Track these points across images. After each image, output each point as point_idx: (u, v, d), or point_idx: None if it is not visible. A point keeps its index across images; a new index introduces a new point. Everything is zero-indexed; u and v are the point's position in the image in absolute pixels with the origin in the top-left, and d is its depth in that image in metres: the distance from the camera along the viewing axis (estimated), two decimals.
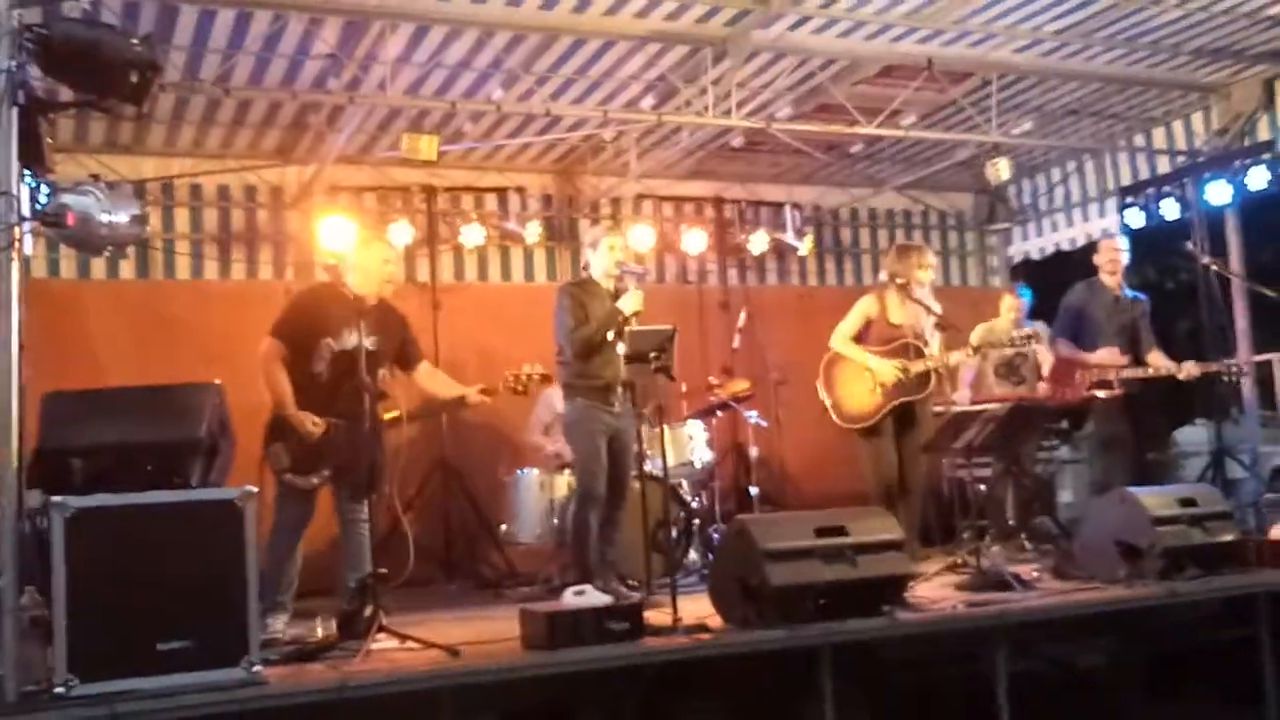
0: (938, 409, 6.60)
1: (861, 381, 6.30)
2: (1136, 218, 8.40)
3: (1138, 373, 6.84)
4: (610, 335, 5.72)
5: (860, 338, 6.41)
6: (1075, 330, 7.07)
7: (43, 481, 3.80)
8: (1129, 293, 7.17)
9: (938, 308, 6.40)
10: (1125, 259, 7.19)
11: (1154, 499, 5.28)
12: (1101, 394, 6.79)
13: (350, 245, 6.93)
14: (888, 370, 6.21)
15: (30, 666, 3.57)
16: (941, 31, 7.04)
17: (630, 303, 5.62)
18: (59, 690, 3.43)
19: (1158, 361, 6.90)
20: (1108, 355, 6.87)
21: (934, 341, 6.38)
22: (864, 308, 6.44)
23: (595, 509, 5.75)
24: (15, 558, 3.57)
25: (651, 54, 7.06)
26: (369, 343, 4.91)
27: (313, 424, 4.90)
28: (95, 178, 4.15)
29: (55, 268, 7.67)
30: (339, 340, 5.01)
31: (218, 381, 4.64)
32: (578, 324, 5.74)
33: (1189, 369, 6.78)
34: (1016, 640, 4.56)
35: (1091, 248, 7.59)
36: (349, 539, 5.06)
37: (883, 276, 6.60)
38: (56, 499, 3.55)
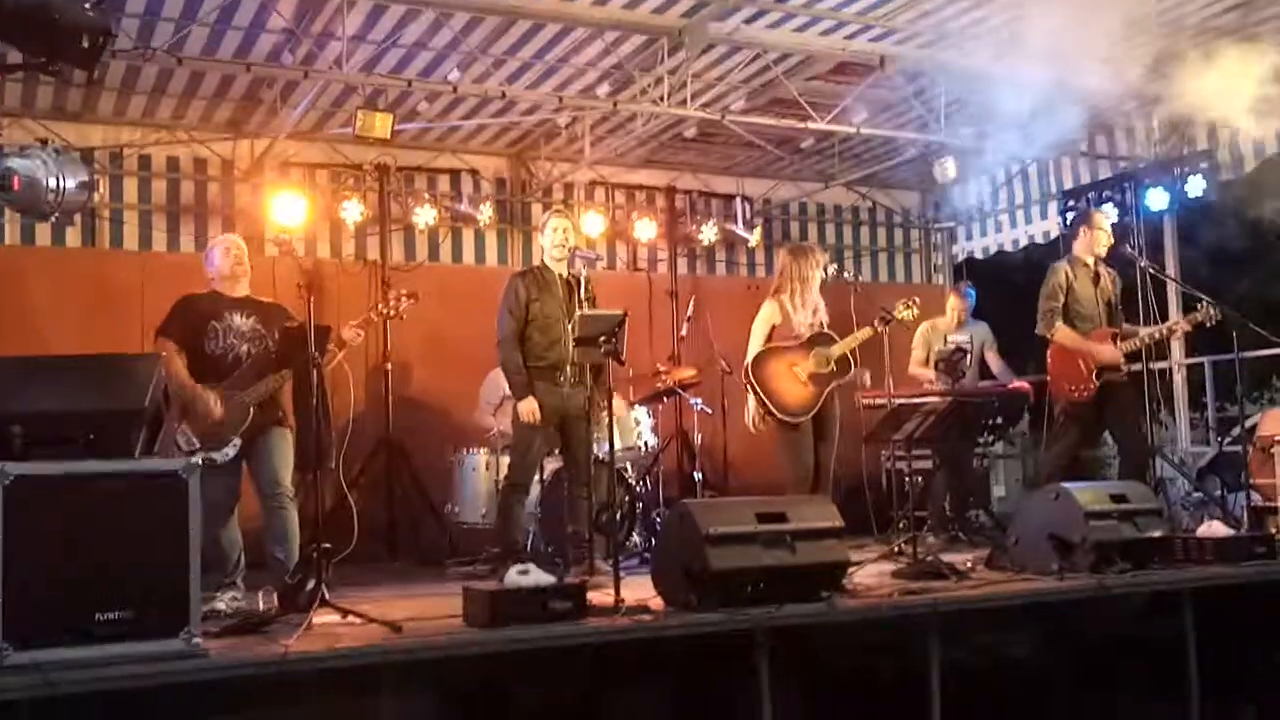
0: (879, 402, 6.70)
1: (790, 376, 6.37)
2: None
3: (1131, 346, 6.57)
4: (563, 319, 5.81)
5: (770, 339, 6.45)
6: (1066, 312, 6.64)
7: None
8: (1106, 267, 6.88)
9: (821, 303, 6.47)
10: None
11: (1087, 494, 5.34)
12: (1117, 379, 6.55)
13: None
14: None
15: None
16: (894, 31, 7.13)
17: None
18: None
19: (1145, 330, 6.70)
20: (1108, 346, 6.57)
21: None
22: (767, 316, 6.47)
23: (520, 497, 5.95)
24: None
25: (608, 42, 7.08)
26: (252, 321, 5.15)
27: (213, 401, 4.98)
28: (43, 143, 4.10)
29: None
30: (223, 321, 5.15)
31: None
32: (509, 321, 5.87)
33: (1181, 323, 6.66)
34: (949, 629, 4.62)
35: (1034, 248, 7.64)
36: (271, 520, 5.05)
37: (779, 277, 6.58)
38: None
